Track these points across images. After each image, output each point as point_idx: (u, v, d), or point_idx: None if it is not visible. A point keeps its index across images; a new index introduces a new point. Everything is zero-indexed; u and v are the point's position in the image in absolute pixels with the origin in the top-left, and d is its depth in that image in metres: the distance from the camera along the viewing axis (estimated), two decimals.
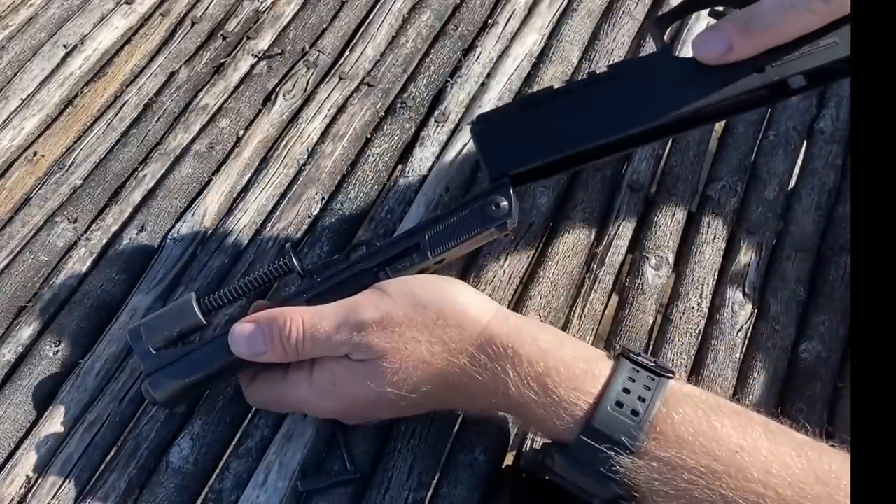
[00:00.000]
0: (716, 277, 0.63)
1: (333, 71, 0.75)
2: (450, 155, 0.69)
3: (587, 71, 0.69)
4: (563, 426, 0.46)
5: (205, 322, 0.54)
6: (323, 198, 0.67)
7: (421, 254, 0.53)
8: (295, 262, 0.54)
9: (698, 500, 0.43)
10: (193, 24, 0.78)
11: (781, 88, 0.53)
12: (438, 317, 0.48)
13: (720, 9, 0.57)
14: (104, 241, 0.64)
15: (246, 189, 0.67)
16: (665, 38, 0.55)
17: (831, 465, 0.42)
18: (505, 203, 0.52)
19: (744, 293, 0.62)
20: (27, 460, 0.54)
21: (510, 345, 0.47)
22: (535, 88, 0.70)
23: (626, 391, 0.46)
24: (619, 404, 0.45)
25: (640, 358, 0.48)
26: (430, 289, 0.50)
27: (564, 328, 0.60)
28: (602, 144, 0.53)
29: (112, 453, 0.55)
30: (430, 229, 0.53)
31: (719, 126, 0.72)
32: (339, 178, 0.68)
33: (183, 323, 0.54)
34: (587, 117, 0.53)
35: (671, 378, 0.47)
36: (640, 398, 0.45)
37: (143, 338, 0.53)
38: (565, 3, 0.79)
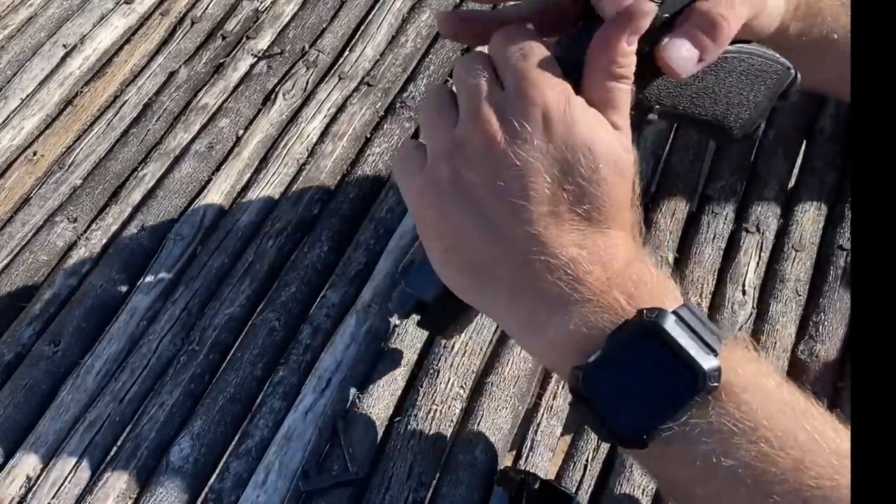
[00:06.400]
0: (715, 277, 0.63)
1: (333, 70, 0.75)
2: None
3: None
4: (666, 297, 0.44)
5: None
6: (323, 198, 0.67)
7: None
8: None
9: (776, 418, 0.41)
10: (193, 23, 0.78)
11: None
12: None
13: None
14: (104, 240, 0.64)
15: (246, 189, 0.67)
16: None
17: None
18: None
19: (743, 293, 0.62)
20: (27, 460, 0.54)
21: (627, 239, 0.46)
22: None
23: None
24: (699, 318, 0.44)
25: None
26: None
27: None
28: None
29: (112, 453, 0.55)
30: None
31: None
32: (339, 178, 0.68)
33: None
34: None
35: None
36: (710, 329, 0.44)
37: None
38: None
